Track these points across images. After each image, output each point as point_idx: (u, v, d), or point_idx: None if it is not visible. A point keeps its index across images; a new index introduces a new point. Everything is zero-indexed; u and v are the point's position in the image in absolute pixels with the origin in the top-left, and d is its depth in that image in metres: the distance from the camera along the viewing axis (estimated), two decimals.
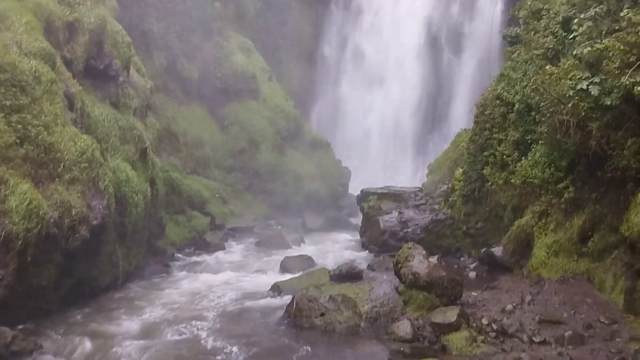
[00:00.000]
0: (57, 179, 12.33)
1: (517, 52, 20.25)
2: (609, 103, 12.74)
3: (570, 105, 13.43)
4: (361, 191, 23.48)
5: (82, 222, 12.48)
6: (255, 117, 29.36)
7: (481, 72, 35.11)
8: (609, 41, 11.48)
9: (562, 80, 13.99)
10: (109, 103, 16.40)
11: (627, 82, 10.92)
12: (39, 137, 12.30)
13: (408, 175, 36.19)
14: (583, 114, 13.20)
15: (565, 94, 13.68)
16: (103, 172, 13.63)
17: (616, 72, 11.40)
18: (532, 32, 17.86)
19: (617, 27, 12.63)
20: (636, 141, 12.50)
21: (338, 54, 38.83)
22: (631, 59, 11.03)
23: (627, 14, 11.60)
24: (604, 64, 12.19)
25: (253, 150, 28.71)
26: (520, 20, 24.45)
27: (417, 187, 24.62)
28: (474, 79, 36.08)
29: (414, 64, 37.08)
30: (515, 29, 25.10)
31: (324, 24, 38.22)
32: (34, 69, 12.79)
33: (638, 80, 10.75)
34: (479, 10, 36.44)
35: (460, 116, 35.98)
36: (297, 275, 16.25)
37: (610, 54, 11.66)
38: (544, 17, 17.77)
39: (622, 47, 11.03)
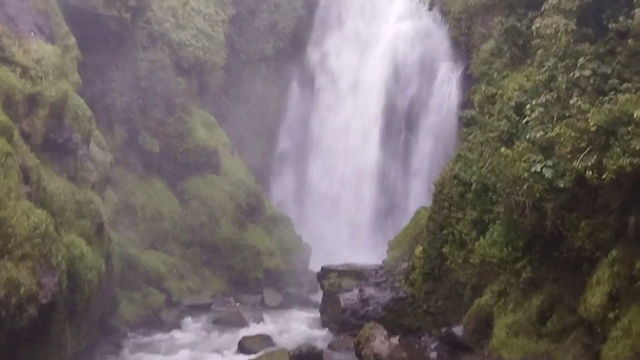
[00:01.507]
0: (6, 255, 11.90)
1: (473, 134, 20.85)
2: (562, 185, 13.13)
3: (525, 186, 13.78)
4: (322, 268, 23.30)
5: (31, 300, 11.99)
6: (216, 191, 29.23)
7: (437, 151, 36.02)
8: (561, 128, 11.94)
9: (517, 163, 14.41)
10: (67, 177, 16.16)
11: (580, 167, 11.29)
12: None
13: (368, 250, 36.10)
14: (538, 195, 13.54)
15: (521, 175, 14.06)
16: (56, 247, 13.26)
17: (568, 156, 11.80)
18: (487, 116, 18.45)
19: (567, 114, 13.19)
20: (589, 223, 12.83)
21: (299, 130, 39.33)
22: (582, 144, 11.45)
23: (577, 101, 12.13)
24: (556, 149, 12.63)
25: (213, 224, 28.42)
26: (475, 103, 25.44)
27: (378, 264, 24.54)
28: (431, 158, 36.87)
29: (373, 143, 37.73)
30: (470, 112, 26.03)
31: (286, 101, 38.87)
32: None
33: (589, 164, 11.13)
34: (436, 93, 37.60)
35: (418, 193, 36.56)
36: (255, 355, 15.78)
37: (562, 139, 12.09)
38: (497, 101, 18.44)
39: (572, 134, 11.46)
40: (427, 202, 33.43)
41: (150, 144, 28.24)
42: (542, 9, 14.61)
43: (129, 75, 27.82)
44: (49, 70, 15.91)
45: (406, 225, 31.93)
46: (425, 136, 37.50)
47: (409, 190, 37.49)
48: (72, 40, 20.02)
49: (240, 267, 28.41)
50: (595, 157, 10.99)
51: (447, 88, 36.70)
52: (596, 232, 12.72)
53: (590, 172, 11.08)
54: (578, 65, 12.69)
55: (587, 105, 11.62)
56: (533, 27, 16.04)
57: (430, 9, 36.39)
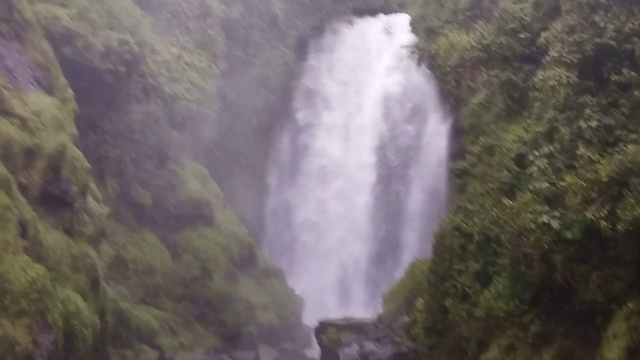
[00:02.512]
0: (2, 312, 11.44)
1: (472, 185, 20.78)
2: (570, 237, 13.02)
3: (533, 238, 13.65)
4: (319, 322, 22.81)
5: None
6: (209, 244, 28.80)
7: (428, 202, 36.02)
8: (572, 178, 11.88)
9: (523, 214, 14.32)
10: (63, 230, 15.81)
11: (593, 217, 11.20)
12: None
13: (361, 303, 35.60)
14: (546, 247, 13.40)
15: (527, 227, 13.94)
16: (53, 304, 12.81)
17: (579, 207, 11.72)
18: (487, 167, 18.44)
19: (574, 165, 13.19)
20: (600, 275, 12.65)
21: (290, 182, 39.23)
22: (592, 195, 11.40)
23: (585, 152, 12.13)
24: (565, 199, 12.56)
25: (205, 278, 27.86)
26: (470, 155, 25.51)
27: (376, 318, 24.07)
28: (422, 209, 36.82)
29: (364, 193, 37.62)
30: (462, 163, 26.11)
31: (276, 153, 38.88)
32: None
33: (602, 215, 11.05)
34: (426, 144, 37.80)
35: (410, 244, 36.37)
36: None
37: (572, 190, 12.04)
38: (497, 153, 18.44)
39: (583, 184, 11.42)
40: (419, 253, 33.33)
41: (143, 196, 27.90)
42: (543, 62, 14.76)
43: (122, 128, 27.68)
44: (47, 122, 15.75)
45: (401, 277, 31.57)
46: (416, 187, 37.56)
47: (400, 241, 37.30)
48: (70, 92, 19.96)
49: (233, 322, 27.74)
50: (608, 207, 10.92)
51: (436, 140, 37.01)
52: (608, 284, 12.54)
53: (605, 223, 10.98)
54: (584, 116, 12.73)
55: (597, 156, 11.61)
56: (535, 79, 16.25)
57: (419, 64, 37.16)
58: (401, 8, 41.16)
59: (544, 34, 14.97)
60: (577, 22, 13.84)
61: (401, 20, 39.69)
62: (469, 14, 33.44)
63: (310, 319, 34.01)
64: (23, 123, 15.22)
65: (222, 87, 34.40)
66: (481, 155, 19.62)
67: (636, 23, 13.20)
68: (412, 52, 36.61)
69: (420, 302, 20.21)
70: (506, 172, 17.10)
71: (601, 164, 11.45)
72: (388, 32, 40.05)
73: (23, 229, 13.23)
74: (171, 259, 27.83)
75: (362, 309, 33.84)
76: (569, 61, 13.71)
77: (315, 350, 27.83)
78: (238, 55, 35.55)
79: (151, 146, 28.78)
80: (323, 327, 22.05)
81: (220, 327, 27.42)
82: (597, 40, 13.49)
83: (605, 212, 10.99)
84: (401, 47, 36.97)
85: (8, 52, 16.89)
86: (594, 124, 12.48)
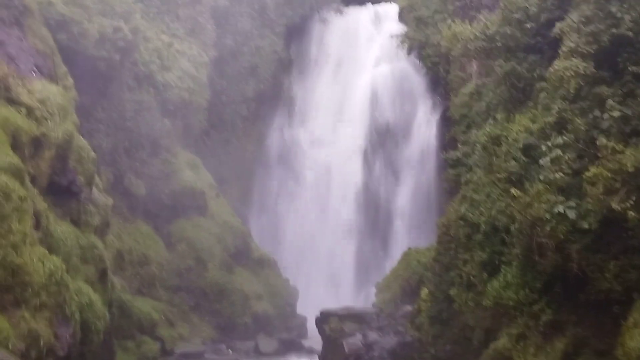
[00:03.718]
0: (23, 305, 11.20)
1: (473, 174, 20.81)
2: (586, 226, 13.16)
3: (548, 228, 13.77)
4: (321, 312, 22.77)
5: (50, 354, 11.27)
6: (203, 234, 28.59)
7: (419, 192, 36.20)
8: (596, 169, 11.98)
9: (535, 204, 14.42)
10: (70, 221, 15.51)
11: (619, 207, 11.32)
12: (7, 259, 11.27)
13: (351, 292, 35.69)
14: (561, 236, 13.52)
15: (542, 217, 14.06)
16: (70, 296, 12.58)
17: (601, 197, 11.83)
18: (494, 157, 18.47)
19: (590, 155, 13.31)
20: (617, 264, 12.81)
21: (280, 171, 39.10)
22: (616, 185, 11.52)
23: (605, 142, 12.23)
24: (584, 190, 12.67)
25: (200, 268, 27.70)
26: (464, 144, 25.59)
27: (377, 307, 24.13)
28: (412, 199, 36.95)
29: (354, 182, 37.61)
30: (455, 153, 26.22)
31: (265, 143, 38.69)
32: (3, 185, 11.95)
33: (629, 205, 11.18)
34: (415, 134, 37.91)
35: (401, 234, 36.55)
36: None
37: (592, 181, 12.15)
38: (503, 143, 18.51)
39: (608, 175, 11.53)
40: (411, 243, 33.52)
41: (136, 186, 27.57)
42: (559, 53, 14.82)
43: (115, 117, 27.27)
44: (54, 111, 15.39)
45: (394, 267, 31.73)
46: (405, 177, 37.69)
47: (389, 231, 37.44)
48: (70, 80, 19.61)
49: (229, 312, 27.65)
50: (634, 197, 11.05)
51: (426, 129, 37.13)
52: (624, 273, 12.70)
53: (633, 213, 11.11)
54: (607, 107, 12.81)
55: (620, 146, 11.73)
56: (545, 70, 16.33)
57: (409, 53, 37.15)
58: None
59: (558, 24, 15.02)
60: (593, 13, 13.92)
61: (389, 10, 39.74)
62: (458, 3, 33.61)
63: (303, 309, 34.12)
64: (29, 112, 14.85)
65: (211, 76, 34.08)
66: (487, 145, 19.65)
67: None
68: (402, 42, 36.69)
69: (424, 292, 20.31)
70: (514, 162, 17.20)
71: (624, 154, 11.56)
72: (377, 21, 40.06)
73: (37, 220, 12.95)
74: (166, 249, 27.59)
75: (353, 298, 34.00)
76: (585, 52, 13.81)
77: (311, 340, 27.90)
78: (227, 44, 35.23)
79: (144, 135, 28.42)
80: (325, 317, 22.02)
81: (216, 318, 27.32)
82: (614, 30, 13.60)
83: (632, 202, 11.13)
84: (390, 36, 37.05)
85: (9, 38, 16.45)
86: (616, 114, 12.59)
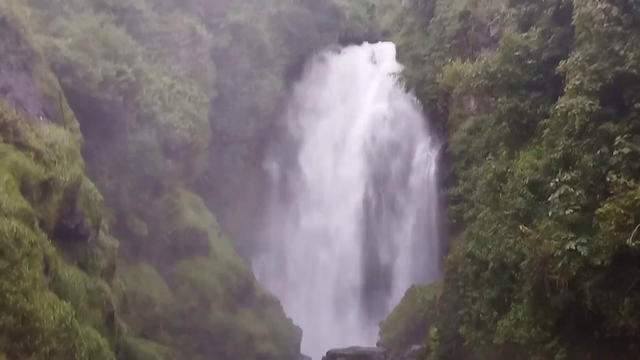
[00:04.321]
0: (34, 353, 11.03)
1: (483, 212, 20.66)
2: (599, 263, 13.12)
3: (559, 265, 13.72)
4: (327, 353, 22.54)
5: None
6: (206, 274, 28.40)
7: (419, 229, 36.16)
8: (610, 205, 11.99)
9: (545, 241, 14.38)
10: (77, 264, 15.39)
11: (633, 244, 11.31)
12: (18, 305, 11.14)
13: (356, 331, 35.35)
14: (574, 273, 13.46)
15: (552, 253, 14.02)
16: (79, 342, 12.39)
17: (614, 233, 11.82)
18: (500, 193, 18.49)
19: (599, 191, 13.35)
20: (631, 301, 12.73)
21: (280, 208, 39.05)
22: (629, 221, 11.52)
23: (616, 179, 12.27)
24: (596, 226, 12.67)
25: (204, 309, 27.42)
26: (464, 181, 25.64)
27: (383, 346, 23.86)
28: (413, 235, 36.90)
29: (355, 221, 37.57)
30: (457, 189, 26.25)
31: (267, 181, 38.74)
32: (14, 230, 11.88)
33: None
34: (415, 170, 38.01)
35: (402, 271, 36.35)
36: None
37: (604, 217, 12.15)
38: (508, 179, 18.53)
39: (621, 211, 11.54)
40: (413, 280, 33.33)
41: (139, 226, 27.43)
42: (563, 90, 14.97)
43: (118, 158, 27.28)
44: (62, 155, 15.41)
45: (399, 304, 31.49)
46: (406, 214, 37.67)
47: (391, 268, 37.25)
48: (77, 124, 19.69)
49: (233, 354, 27.30)
50: None
51: (426, 166, 37.27)
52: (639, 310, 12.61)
53: None
54: (616, 143, 12.90)
55: (632, 182, 11.77)
56: (549, 107, 16.49)
57: (406, 91, 37.52)
58: (385, 37, 41.84)
59: (562, 62, 15.21)
60: (596, 51, 14.13)
61: (386, 49, 40.30)
62: (455, 41, 34.09)
63: (305, 346, 33.70)
64: (38, 156, 14.87)
65: (212, 116, 34.28)
66: (492, 182, 19.68)
67: None
68: (400, 80, 37.08)
69: (433, 330, 20.11)
70: (520, 199, 17.20)
71: (637, 190, 11.59)
72: (374, 60, 40.58)
73: (46, 264, 12.86)
74: (169, 290, 27.34)
75: (358, 337, 33.60)
76: (590, 89, 13.96)
77: None
78: (227, 84, 35.56)
79: (146, 176, 28.38)
80: (331, 358, 21.72)
81: (220, 359, 26.92)
82: (618, 68, 13.79)
83: None
84: (388, 74, 37.45)
85: (17, 83, 16.60)
86: (626, 150, 12.66)
